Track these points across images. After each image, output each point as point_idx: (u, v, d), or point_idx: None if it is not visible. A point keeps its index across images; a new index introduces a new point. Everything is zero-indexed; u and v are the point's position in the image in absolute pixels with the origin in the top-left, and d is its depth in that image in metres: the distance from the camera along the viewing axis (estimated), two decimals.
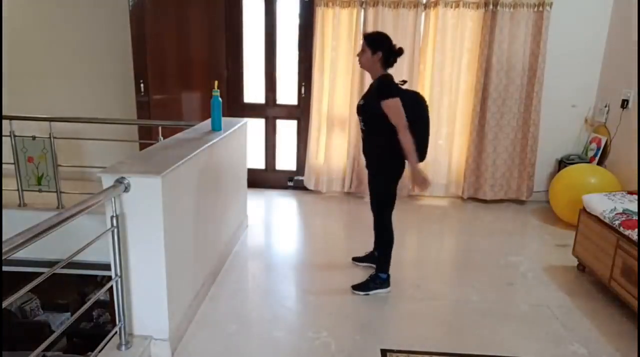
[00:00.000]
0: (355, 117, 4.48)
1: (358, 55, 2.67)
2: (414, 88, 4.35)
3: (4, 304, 1.38)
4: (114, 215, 1.91)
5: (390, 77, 2.62)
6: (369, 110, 2.61)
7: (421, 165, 2.50)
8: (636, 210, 2.77)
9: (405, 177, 2.80)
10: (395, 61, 2.64)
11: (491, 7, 4.17)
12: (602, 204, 2.93)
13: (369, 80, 4.32)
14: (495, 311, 2.67)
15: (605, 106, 4.23)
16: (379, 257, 2.86)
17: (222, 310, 2.58)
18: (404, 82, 2.67)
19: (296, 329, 2.44)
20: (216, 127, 2.97)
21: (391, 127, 2.52)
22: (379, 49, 2.57)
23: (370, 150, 2.74)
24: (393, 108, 2.49)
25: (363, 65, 2.69)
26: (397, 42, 4.20)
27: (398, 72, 4.30)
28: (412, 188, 4.32)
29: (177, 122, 3.79)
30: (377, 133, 2.63)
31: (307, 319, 2.54)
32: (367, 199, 2.87)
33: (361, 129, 2.75)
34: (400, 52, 2.62)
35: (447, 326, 2.56)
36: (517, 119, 4.42)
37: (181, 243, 2.27)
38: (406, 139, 2.50)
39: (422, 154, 2.66)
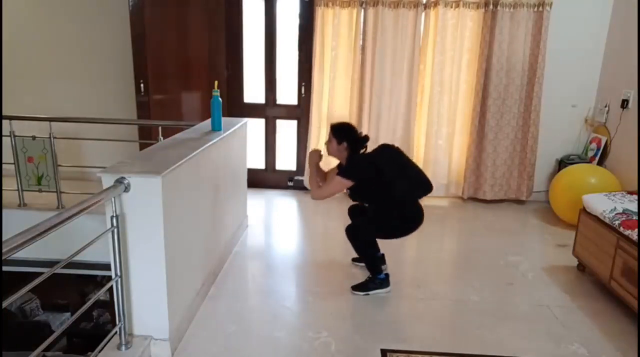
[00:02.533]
0: (355, 118, 4.49)
1: (325, 144, 2.79)
2: (414, 88, 4.38)
3: (4, 304, 1.38)
4: (114, 215, 1.91)
5: (356, 158, 2.72)
6: (352, 192, 2.74)
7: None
8: (636, 210, 2.77)
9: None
10: (362, 147, 2.74)
11: (491, 7, 4.17)
12: (602, 204, 2.93)
13: (369, 80, 4.38)
14: (495, 311, 2.67)
15: (605, 106, 4.23)
16: (367, 264, 2.87)
17: (222, 310, 2.58)
18: (366, 137, 2.76)
19: (296, 329, 2.44)
20: (216, 127, 2.97)
21: (378, 193, 2.64)
22: (344, 139, 2.70)
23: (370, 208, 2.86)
24: (336, 183, 2.63)
25: (330, 154, 2.80)
26: (397, 42, 4.31)
27: (398, 72, 4.35)
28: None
29: (177, 122, 3.79)
30: (375, 203, 2.77)
31: (307, 319, 2.54)
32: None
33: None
34: (365, 139, 2.74)
35: (447, 326, 2.56)
36: (517, 119, 4.42)
37: (181, 243, 2.27)
38: (313, 187, 2.81)
39: (425, 182, 2.75)
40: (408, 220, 2.72)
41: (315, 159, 2.84)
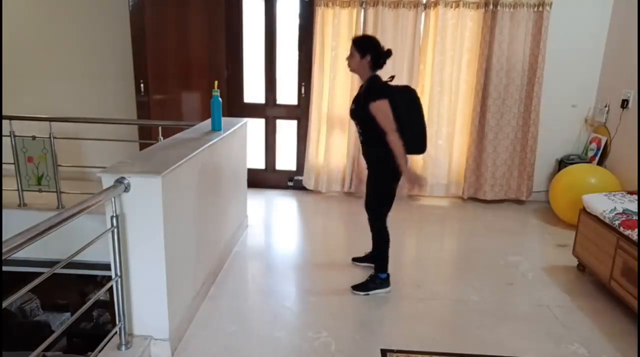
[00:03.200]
0: None
1: (347, 59, 2.68)
2: (413, 88, 4.36)
3: (4, 304, 1.38)
4: (114, 215, 1.91)
5: (378, 78, 2.62)
6: (361, 113, 2.61)
7: (421, 163, 2.52)
8: (636, 210, 2.77)
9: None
10: (384, 63, 2.64)
11: (491, 7, 4.17)
12: (602, 204, 2.93)
13: None
14: (495, 311, 2.67)
15: (605, 106, 4.23)
16: (377, 257, 2.86)
17: (222, 310, 2.58)
18: (392, 78, 2.67)
19: (296, 329, 2.44)
20: (216, 127, 2.97)
21: (380, 131, 2.54)
22: (368, 52, 2.58)
23: (370, 157, 2.75)
24: (381, 110, 2.49)
25: (352, 69, 2.69)
26: (397, 42, 4.31)
27: (398, 72, 4.34)
28: (409, 189, 4.31)
29: (177, 122, 3.79)
30: (375, 142, 2.63)
31: (307, 319, 2.54)
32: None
33: (359, 137, 2.78)
34: (388, 53, 2.62)
35: (447, 326, 2.56)
36: (517, 119, 4.42)
37: (181, 243, 2.27)
38: (395, 143, 2.50)
39: (422, 144, 2.67)
40: (396, 167, 2.61)
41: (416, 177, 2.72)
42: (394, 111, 2.49)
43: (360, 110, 2.61)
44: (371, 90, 2.58)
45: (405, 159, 2.56)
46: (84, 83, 4.61)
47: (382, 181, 2.71)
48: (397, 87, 2.65)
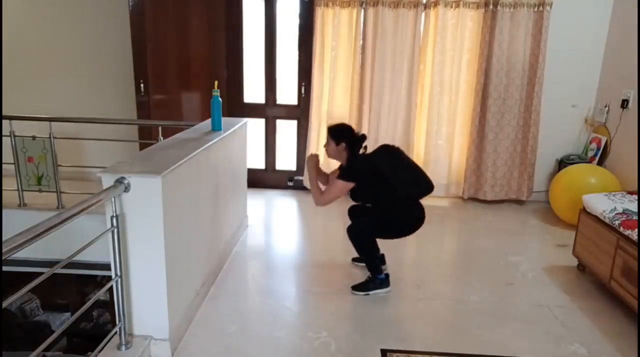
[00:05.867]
0: (355, 118, 4.49)
1: (324, 146, 2.80)
2: (414, 88, 4.37)
3: (4, 304, 1.38)
4: (114, 215, 1.91)
5: (355, 158, 2.73)
6: (352, 193, 2.75)
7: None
8: (636, 210, 2.77)
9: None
10: (361, 147, 2.74)
11: (491, 7, 4.17)
12: (602, 204, 2.93)
13: (369, 80, 4.37)
14: (495, 311, 2.67)
15: (605, 106, 4.23)
16: (367, 264, 2.87)
17: (222, 310, 2.58)
18: (364, 139, 2.77)
19: (296, 329, 2.44)
20: (216, 127, 2.97)
21: (379, 193, 2.67)
22: (342, 140, 2.71)
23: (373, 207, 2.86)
24: (337, 187, 2.64)
25: (330, 156, 2.81)
26: (397, 42, 4.30)
27: (398, 72, 4.35)
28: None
29: (177, 122, 3.79)
30: (375, 203, 2.77)
31: (307, 319, 2.54)
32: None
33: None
34: (363, 138, 2.75)
35: (447, 326, 2.56)
36: (517, 119, 4.42)
37: (181, 243, 2.27)
38: (313, 193, 2.76)
39: (426, 185, 2.74)
40: (409, 220, 2.72)
41: (314, 163, 2.84)
42: (380, 173, 2.61)
43: (351, 193, 2.77)
44: (345, 169, 2.74)
45: (417, 211, 2.75)
46: (84, 83, 4.61)
47: (386, 224, 2.76)
48: (375, 152, 2.76)
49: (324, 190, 2.75)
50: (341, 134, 2.72)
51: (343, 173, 2.68)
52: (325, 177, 2.94)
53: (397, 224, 2.72)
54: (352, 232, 2.72)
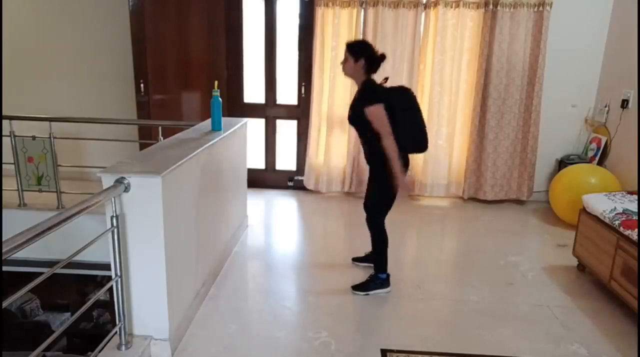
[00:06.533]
0: None
1: (341, 63, 2.69)
2: (414, 88, 4.36)
3: (4, 304, 1.38)
4: (114, 215, 1.91)
5: (373, 82, 2.63)
6: (358, 119, 2.61)
7: (421, 163, 2.50)
8: (636, 210, 2.77)
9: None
10: (379, 67, 2.64)
11: (491, 7, 4.17)
12: (602, 204, 2.93)
13: None
14: (495, 311, 2.67)
15: (605, 106, 4.23)
16: (376, 257, 2.86)
17: (222, 310, 2.58)
18: (386, 79, 2.67)
19: (296, 329, 2.44)
20: (216, 127, 2.97)
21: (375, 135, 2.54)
22: (361, 56, 2.58)
23: (371, 157, 2.74)
24: (375, 115, 2.50)
25: (347, 74, 2.70)
26: (397, 42, 4.31)
27: (398, 72, 4.35)
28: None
29: (177, 122, 3.79)
30: (375, 146, 2.62)
31: (307, 319, 2.54)
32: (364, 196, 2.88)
33: (359, 137, 2.79)
34: (382, 57, 2.62)
35: (447, 326, 2.56)
36: (517, 119, 4.42)
37: (181, 243, 2.27)
38: (390, 147, 2.50)
39: (423, 142, 2.66)
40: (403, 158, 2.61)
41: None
42: (391, 113, 2.49)
43: (356, 116, 2.62)
44: (366, 95, 2.59)
45: (402, 162, 2.55)
46: (84, 83, 4.61)
47: (383, 183, 2.71)
48: (392, 88, 2.65)
49: (377, 130, 2.52)
50: (361, 51, 2.58)
51: (370, 100, 2.51)
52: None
53: (389, 179, 2.61)
54: (368, 220, 2.78)
